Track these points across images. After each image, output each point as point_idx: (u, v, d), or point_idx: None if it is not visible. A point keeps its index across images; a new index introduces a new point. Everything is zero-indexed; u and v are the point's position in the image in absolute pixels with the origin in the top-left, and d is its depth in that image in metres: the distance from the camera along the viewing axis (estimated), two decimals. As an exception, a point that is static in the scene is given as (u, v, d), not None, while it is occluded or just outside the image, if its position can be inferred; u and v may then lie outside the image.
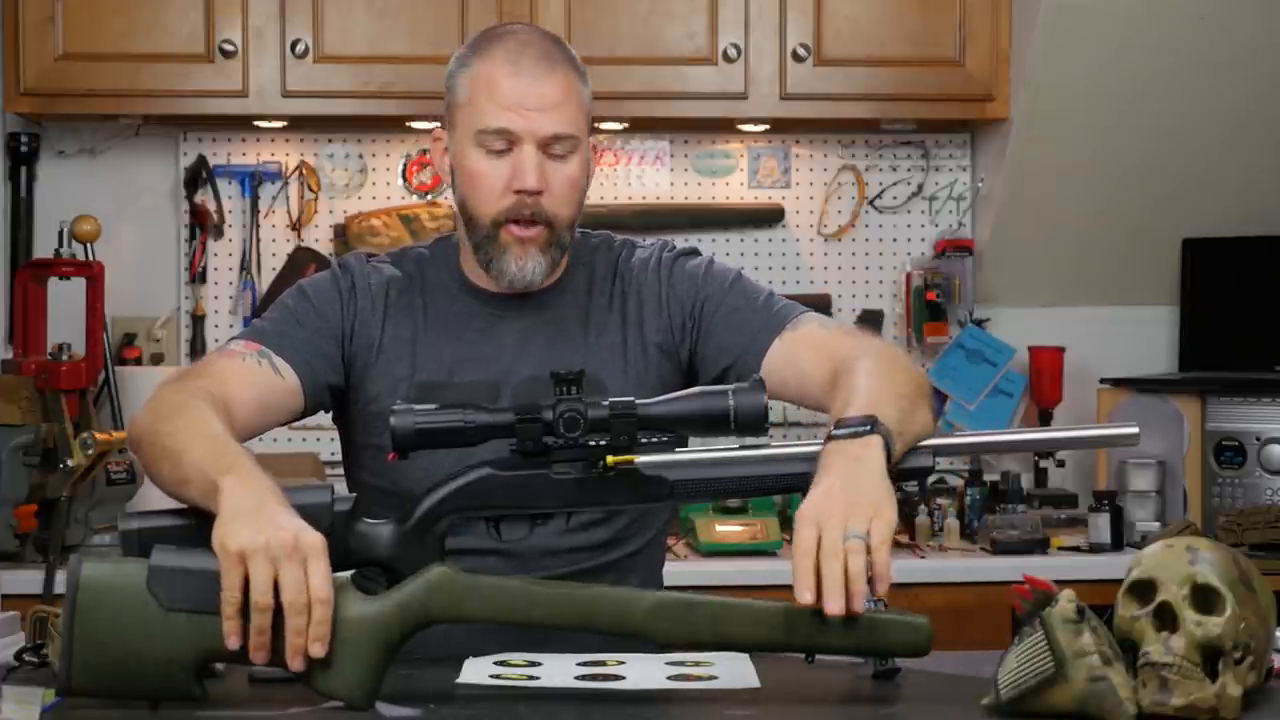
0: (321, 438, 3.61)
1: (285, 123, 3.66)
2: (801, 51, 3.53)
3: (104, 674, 1.53)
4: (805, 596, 1.53)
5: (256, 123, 3.64)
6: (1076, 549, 3.38)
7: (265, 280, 3.75)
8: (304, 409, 1.99)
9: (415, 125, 3.69)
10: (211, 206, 3.74)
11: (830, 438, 1.67)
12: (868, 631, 1.53)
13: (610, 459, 1.68)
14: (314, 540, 1.54)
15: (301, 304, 2.01)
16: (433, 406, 1.69)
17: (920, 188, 3.90)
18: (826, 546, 1.54)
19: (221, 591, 1.52)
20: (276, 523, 1.55)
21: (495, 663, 1.73)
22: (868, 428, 1.66)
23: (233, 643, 1.52)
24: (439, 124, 2.08)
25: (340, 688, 1.54)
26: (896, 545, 3.39)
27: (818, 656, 1.56)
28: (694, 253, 2.11)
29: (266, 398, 1.92)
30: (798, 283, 3.87)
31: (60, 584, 3.01)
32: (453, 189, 2.05)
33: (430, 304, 2.05)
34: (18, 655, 1.78)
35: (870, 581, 1.54)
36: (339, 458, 2.14)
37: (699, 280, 2.06)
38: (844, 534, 1.54)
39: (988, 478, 3.67)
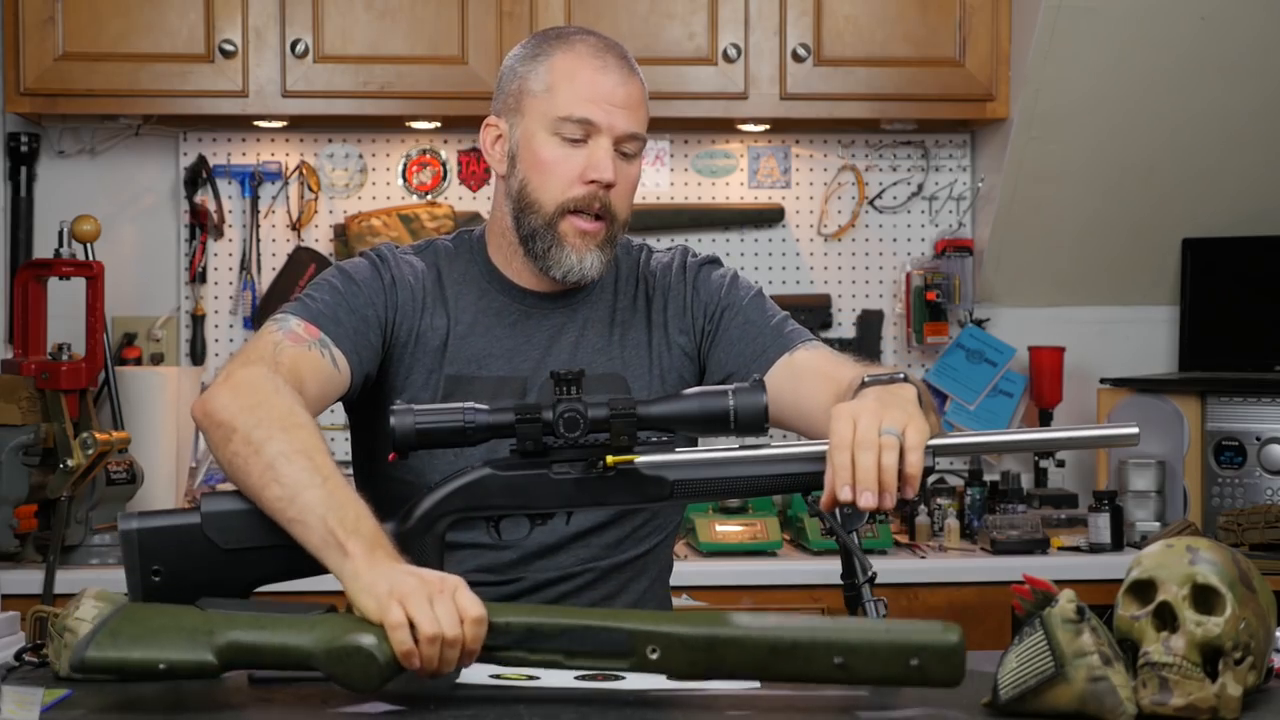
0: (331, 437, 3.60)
1: (285, 123, 3.66)
2: (801, 51, 3.53)
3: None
4: (844, 493, 1.58)
5: (256, 123, 3.64)
6: (1076, 549, 3.38)
7: (265, 280, 3.75)
8: (345, 398, 1.98)
9: (415, 125, 3.70)
10: (211, 206, 3.74)
11: (863, 384, 1.72)
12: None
13: (610, 459, 1.68)
14: (455, 578, 1.57)
15: (350, 288, 1.98)
16: (432, 406, 1.69)
17: (920, 188, 3.90)
18: (860, 437, 1.59)
19: (392, 634, 1.53)
20: (417, 574, 1.58)
21: (495, 663, 1.73)
22: (902, 376, 1.73)
23: (415, 663, 1.54)
24: (493, 114, 2.08)
25: None
26: (896, 545, 3.41)
27: None
28: (718, 262, 2.13)
29: (325, 389, 1.91)
30: (798, 283, 3.87)
31: (60, 584, 3.02)
32: (505, 178, 2.05)
33: (460, 298, 2.04)
34: (18, 655, 1.78)
35: (901, 481, 1.59)
36: (341, 456, 2.13)
37: (723, 288, 2.08)
38: (879, 429, 1.59)
39: (988, 478, 3.67)
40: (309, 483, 1.66)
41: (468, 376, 2.00)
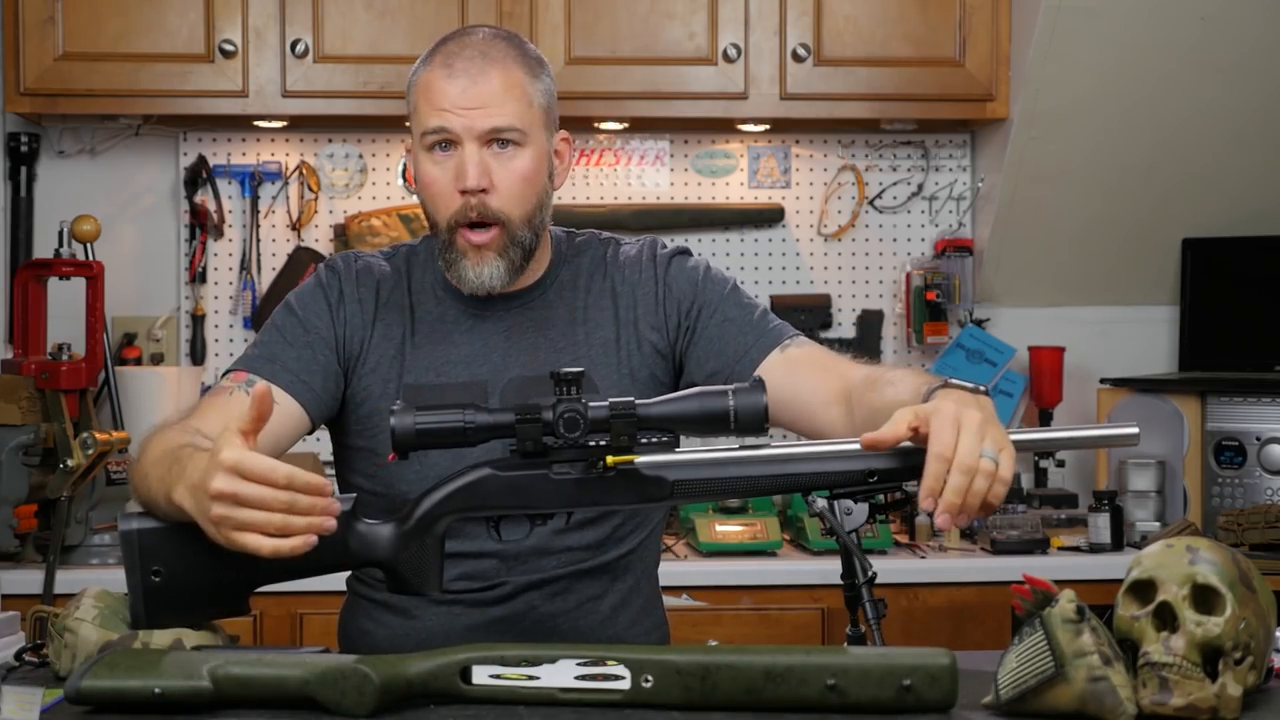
0: (321, 438, 3.59)
1: (285, 123, 3.66)
2: (801, 51, 3.53)
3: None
4: (927, 503, 1.58)
5: (256, 123, 3.64)
6: (1076, 549, 3.38)
7: (265, 280, 3.75)
8: (311, 424, 1.99)
9: (415, 125, 3.69)
10: (211, 206, 3.74)
11: (945, 384, 1.69)
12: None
13: (610, 459, 1.68)
14: (225, 455, 1.55)
15: (288, 320, 2.01)
16: (432, 407, 1.69)
17: (920, 188, 3.90)
18: (962, 455, 1.57)
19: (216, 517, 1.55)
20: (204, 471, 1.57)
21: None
22: (982, 389, 1.69)
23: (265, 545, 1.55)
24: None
25: None
26: (896, 545, 3.41)
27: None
28: (687, 252, 2.10)
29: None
30: (798, 283, 3.87)
31: (60, 584, 3.02)
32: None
33: (418, 305, 2.04)
34: (18, 655, 1.78)
35: (981, 508, 1.59)
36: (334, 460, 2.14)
37: (698, 282, 2.05)
38: (980, 448, 1.58)
39: (988, 478, 3.67)
40: (160, 485, 1.67)
41: (428, 385, 1.99)
